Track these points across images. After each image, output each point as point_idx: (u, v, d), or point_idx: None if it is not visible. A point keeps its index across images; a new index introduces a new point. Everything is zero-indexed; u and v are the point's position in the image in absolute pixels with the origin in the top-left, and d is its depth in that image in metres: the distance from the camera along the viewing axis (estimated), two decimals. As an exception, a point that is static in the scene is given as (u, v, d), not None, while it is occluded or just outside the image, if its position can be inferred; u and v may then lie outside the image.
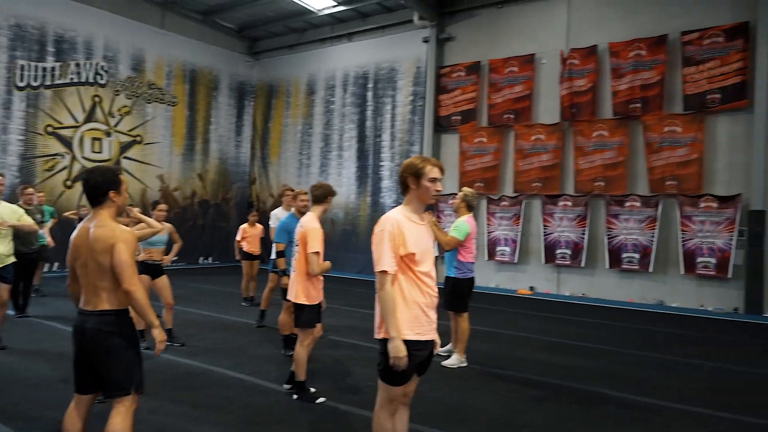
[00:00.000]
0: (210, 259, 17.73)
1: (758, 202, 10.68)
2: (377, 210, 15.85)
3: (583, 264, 12.51)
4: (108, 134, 15.25)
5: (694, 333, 8.79)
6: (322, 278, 5.09)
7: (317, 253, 4.88)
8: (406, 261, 3.06)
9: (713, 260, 11.06)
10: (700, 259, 11.18)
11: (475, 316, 9.40)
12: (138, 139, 15.94)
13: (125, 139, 15.63)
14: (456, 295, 6.30)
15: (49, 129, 14.08)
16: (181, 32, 16.83)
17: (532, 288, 13.19)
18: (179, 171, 17.07)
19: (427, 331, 3.11)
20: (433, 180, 3.14)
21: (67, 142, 14.42)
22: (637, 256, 11.86)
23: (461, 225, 6.21)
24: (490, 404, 5.05)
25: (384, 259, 3.00)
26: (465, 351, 6.41)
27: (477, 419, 4.64)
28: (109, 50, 15.14)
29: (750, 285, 10.71)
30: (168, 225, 6.88)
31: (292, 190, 7.84)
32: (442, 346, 6.81)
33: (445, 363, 6.30)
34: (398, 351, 2.95)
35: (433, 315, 3.18)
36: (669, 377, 6.15)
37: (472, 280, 6.39)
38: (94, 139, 14.99)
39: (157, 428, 4.23)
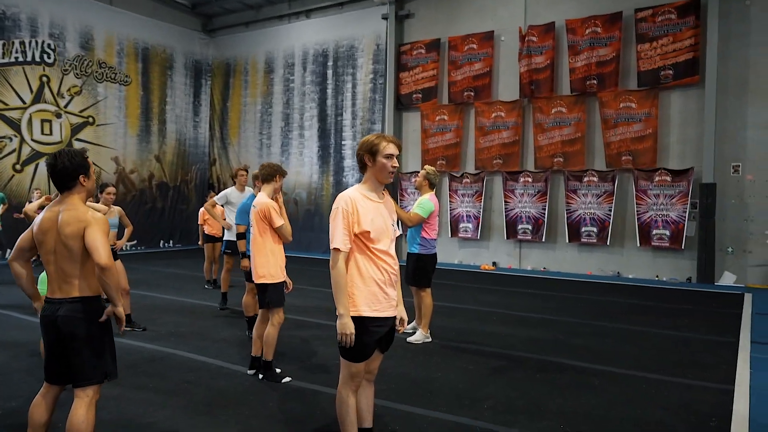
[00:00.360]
0: (171, 243, 17.40)
1: (709, 175, 11.04)
2: (340, 189, 15.73)
3: (543, 239, 12.76)
4: (58, 115, 14.70)
5: (649, 303, 9.09)
6: (283, 256, 5.05)
7: (283, 225, 4.86)
8: (362, 239, 3.06)
9: (667, 232, 11.43)
10: (655, 232, 11.54)
11: (439, 293, 9.51)
12: (90, 120, 15.42)
13: (76, 120, 15.10)
14: (420, 270, 6.36)
15: (-5, 111, 13.48)
16: (131, 8, 16.24)
17: (494, 263, 13.40)
18: (135, 153, 16.61)
19: (386, 308, 3.13)
20: (389, 156, 3.12)
21: (14, 124, 13.85)
22: (595, 229, 12.16)
23: (425, 202, 6.24)
24: (454, 378, 5.13)
25: (336, 236, 3.00)
26: (429, 326, 6.49)
27: (442, 393, 4.71)
28: (55, 27, 14.53)
29: (702, 255, 11.12)
30: (117, 208, 6.68)
31: (246, 171, 7.77)
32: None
33: (410, 339, 6.36)
34: (345, 328, 2.98)
35: (392, 292, 3.19)
36: (625, 345, 6.36)
37: (435, 256, 6.46)
38: (44, 120, 14.43)
39: (120, 415, 4.16)
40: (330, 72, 16.07)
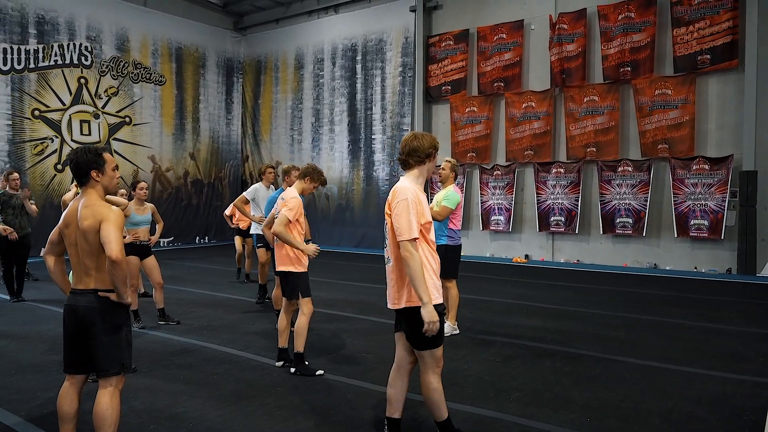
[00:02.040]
0: (206, 239, 17.76)
1: (749, 162, 10.67)
2: (371, 184, 15.82)
3: (576, 230, 12.56)
4: (96, 116, 15.13)
5: (686, 295, 8.87)
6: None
7: (288, 219, 4.88)
8: (423, 230, 3.21)
9: (706, 222, 11.11)
10: (693, 222, 11.22)
11: (470, 286, 9.50)
12: (127, 120, 15.82)
13: (114, 120, 15.51)
14: (448, 261, 6.30)
15: (36, 113, 13.97)
16: (164, 9, 16.57)
17: (527, 256, 13.25)
18: (170, 151, 16.98)
19: (441, 294, 3.28)
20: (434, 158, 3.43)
21: (55, 126, 14.32)
22: (630, 220, 11.90)
23: (452, 194, 6.21)
24: (481, 369, 5.11)
25: (413, 226, 3.10)
26: (456, 318, 6.47)
27: (468, 385, 4.70)
28: (92, 30, 14.93)
29: (743, 246, 10.78)
30: (150, 205, 6.86)
31: (273, 168, 7.89)
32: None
33: (438, 332, 6.34)
34: (432, 316, 3.06)
35: (440, 280, 3.35)
36: (658, 338, 6.22)
37: (460, 246, 6.44)
38: (83, 121, 14.88)
39: (149, 405, 4.28)
40: (359, 66, 16.09)
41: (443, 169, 6.46)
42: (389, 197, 3.30)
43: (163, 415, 4.10)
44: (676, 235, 11.41)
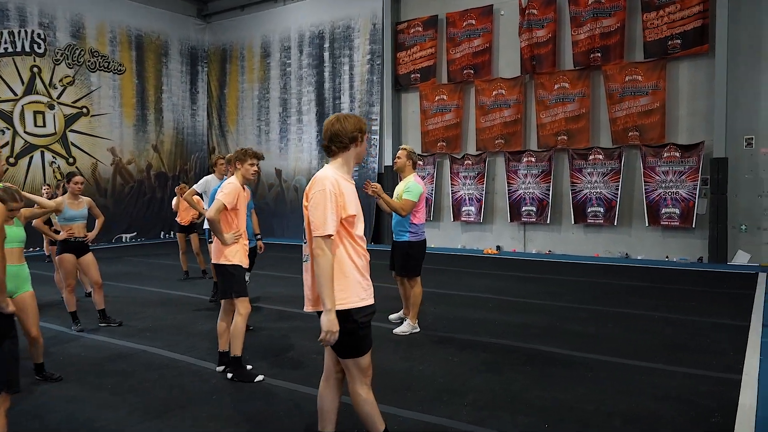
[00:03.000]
0: (172, 234, 17.18)
1: (720, 149, 10.52)
2: (340, 175, 15.38)
3: (548, 221, 12.33)
4: (51, 106, 14.47)
5: (657, 285, 8.66)
6: (246, 243, 4.73)
7: (223, 204, 4.50)
8: (346, 224, 2.84)
9: (677, 211, 10.94)
10: (664, 210, 11.05)
11: (437, 278, 9.21)
12: (84, 110, 15.19)
13: (70, 111, 14.87)
14: (411, 259, 5.99)
15: (-15, 103, 13.29)
16: (123, -5, 15.90)
17: (498, 247, 13.01)
18: (132, 143, 16.38)
19: (370, 296, 2.92)
20: (367, 140, 3.09)
21: (6, 117, 13.65)
22: (601, 209, 11.70)
23: (413, 186, 5.84)
24: (437, 371, 4.79)
25: (328, 221, 2.73)
26: (417, 316, 6.14)
27: (421, 388, 4.37)
28: (44, 17, 14.26)
29: (714, 234, 10.64)
30: (86, 199, 6.41)
31: (224, 159, 7.47)
32: (392, 313, 6.60)
33: (397, 330, 6.02)
34: (332, 325, 2.71)
35: (369, 280, 2.98)
36: (625, 331, 5.97)
37: (425, 242, 6.08)
38: (36, 112, 14.23)
39: (67, 419, 3.88)
40: (327, 54, 15.65)
41: (398, 157, 6.07)
42: (307, 188, 2.94)
43: (81, 429, 3.71)
44: (647, 224, 11.23)
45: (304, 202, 2.93)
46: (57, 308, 7.21)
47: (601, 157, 11.68)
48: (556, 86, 12.12)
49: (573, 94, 11.95)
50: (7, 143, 13.60)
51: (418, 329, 6.08)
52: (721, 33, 10.40)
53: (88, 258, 6.31)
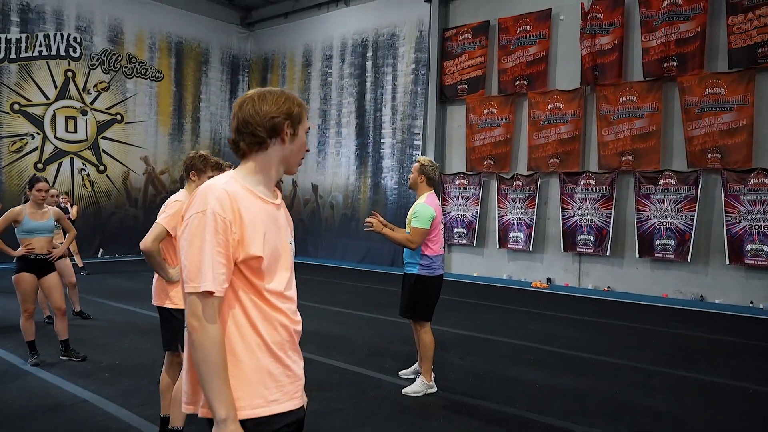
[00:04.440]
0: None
1: (823, 176, 8.76)
2: (378, 192, 14.32)
3: (608, 252, 10.75)
4: (83, 112, 14.01)
5: (744, 341, 7.02)
6: None
7: (164, 230, 3.37)
8: (247, 272, 1.66)
9: (766, 248, 9.20)
10: (749, 247, 9.32)
11: (472, 317, 7.87)
12: (118, 117, 14.68)
13: (103, 117, 14.38)
14: (421, 298, 4.72)
15: (16, 107, 12.91)
16: (164, 0, 15.41)
17: (549, 280, 11.49)
18: (166, 152, 15.78)
19: (290, 393, 1.72)
20: (307, 132, 1.87)
21: (37, 121, 13.24)
22: (672, 243, 10.04)
23: (422, 210, 4.60)
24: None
25: (204, 267, 1.57)
26: (433, 371, 4.85)
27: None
28: (81, 20, 13.86)
29: (812, 277, 8.84)
30: (53, 209, 5.48)
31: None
32: (406, 368, 5.32)
33: (407, 390, 4.73)
34: None
35: (299, 361, 1.79)
36: (707, 410, 4.47)
37: (440, 278, 4.80)
38: (68, 117, 13.79)
39: None
40: (369, 63, 14.64)
41: (412, 172, 4.84)
42: (185, 205, 1.76)
43: None
44: (728, 262, 9.51)
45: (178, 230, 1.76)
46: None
47: (673, 181, 10.06)
48: (621, 100, 10.62)
49: (642, 108, 10.41)
50: (36, 149, 13.17)
51: (435, 388, 4.79)
52: (826, 38, 8.72)
53: (51, 279, 5.35)
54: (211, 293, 1.56)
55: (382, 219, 4.76)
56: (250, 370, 1.64)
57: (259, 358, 1.66)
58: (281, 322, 1.71)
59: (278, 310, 1.71)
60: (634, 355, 6.13)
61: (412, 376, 5.07)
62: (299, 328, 1.81)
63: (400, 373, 5.20)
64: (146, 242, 3.34)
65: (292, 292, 1.81)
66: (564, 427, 4.10)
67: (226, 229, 1.59)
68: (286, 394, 1.70)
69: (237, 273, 1.64)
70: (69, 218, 10.48)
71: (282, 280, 1.75)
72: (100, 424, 3.95)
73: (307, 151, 1.90)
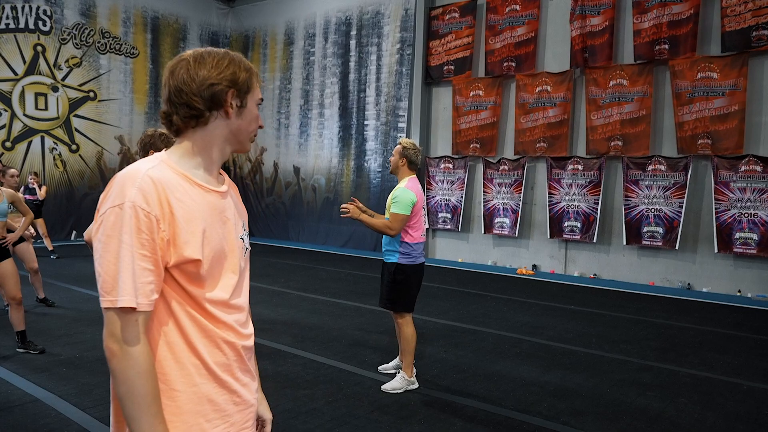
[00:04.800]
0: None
1: (815, 164, 8.57)
2: (361, 176, 13.95)
3: (595, 239, 10.53)
4: (54, 89, 13.41)
5: (733, 332, 6.83)
6: None
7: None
8: (182, 279, 1.33)
9: (755, 236, 9.02)
10: (738, 235, 9.14)
11: (457, 306, 7.60)
12: (91, 95, 14.09)
13: (76, 94, 13.78)
14: (401, 287, 4.41)
15: (-18, 82, 12.29)
16: (139, -27, 14.76)
17: (534, 267, 11.26)
18: (142, 132, 15.16)
19: (240, 424, 1.43)
20: (259, 103, 1.53)
21: (5, 98, 12.63)
22: (660, 230, 9.84)
23: (402, 194, 4.29)
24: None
25: (123, 277, 1.23)
26: (414, 366, 4.56)
27: None
28: (51, -8, 13.20)
29: (800, 267, 8.69)
30: (7, 191, 5.07)
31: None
32: (387, 361, 5.04)
33: (386, 387, 4.44)
34: None
35: (250, 384, 1.47)
36: (704, 410, 4.24)
37: (421, 267, 4.49)
38: (38, 94, 13.18)
39: None
40: (353, 42, 14.17)
41: (393, 155, 4.51)
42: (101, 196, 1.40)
43: None
44: (716, 250, 9.33)
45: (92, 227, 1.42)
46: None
47: (662, 167, 9.83)
48: (611, 83, 10.33)
49: (632, 92, 10.13)
50: (4, 126, 12.58)
51: (416, 384, 4.50)
52: (822, 22, 8.47)
53: (6, 267, 4.96)
54: (132, 309, 1.22)
55: (360, 205, 4.48)
56: (186, 399, 1.31)
57: (198, 384, 1.33)
58: (226, 338, 1.38)
59: (222, 323, 1.38)
60: (623, 348, 5.89)
61: (393, 371, 4.77)
62: (250, 342, 1.48)
63: (380, 367, 4.91)
64: (89, 234, 2.98)
65: (242, 300, 1.47)
66: (554, 429, 3.84)
67: (151, 226, 1.24)
68: (234, 425, 1.39)
69: (169, 280, 1.30)
70: (36, 199, 10.01)
71: (227, 286, 1.40)
72: (47, 427, 3.60)
73: (261, 127, 1.56)
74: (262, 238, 15.40)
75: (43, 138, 13.24)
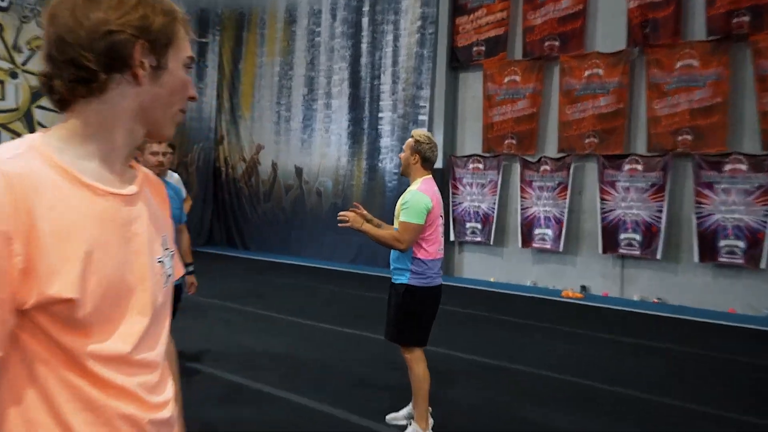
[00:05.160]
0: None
1: None
2: (374, 178, 13.75)
3: (659, 255, 10.12)
4: (13, 75, 13.34)
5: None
6: None
7: None
8: (50, 326, 0.99)
9: None
10: (839, 251, 8.61)
11: (491, 335, 7.28)
12: (57, 83, 13.99)
13: (38, 82, 13.68)
14: (410, 315, 3.99)
15: (-71, 67, 12.25)
16: (116, -59, 14.72)
17: (583, 288, 10.88)
18: (117, 127, 15.13)
19: None
20: (188, 64, 1.19)
21: (-45, 85, 12.60)
22: (741, 244, 9.37)
23: (414, 199, 3.93)
24: None
25: None
26: (428, 414, 4.15)
27: None
28: (12, -38, 13.18)
29: None
30: None
31: None
32: (397, 410, 4.61)
33: (394, 442, 4.02)
34: None
35: None
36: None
37: (438, 290, 4.08)
38: (-5, 81, 13.12)
39: None
40: (366, 21, 14.03)
41: (403, 150, 4.21)
42: None
43: None
44: (811, 270, 8.82)
45: None
46: None
47: (743, 167, 9.37)
48: (678, 64, 9.98)
49: (704, 75, 9.75)
50: (-46, 119, 12.51)
51: (433, 439, 4.08)
52: None
53: None
54: None
55: (363, 212, 4.14)
56: None
57: None
58: (122, 411, 1.05)
59: (116, 390, 1.04)
60: (690, 393, 5.40)
61: (404, 422, 4.35)
62: (165, 414, 1.15)
63: (388, 417, 4.48)
64: None
65: (154, 354, 1.14)
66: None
67: (24, 241, 0.95)
68: None
69: (29, 330, 0.98)
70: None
71: (129, 333, 1.07)
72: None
73: (193, 99, 1.22)
74: (257, 252, 15.20)
75: (-1, 133, 13.16)
